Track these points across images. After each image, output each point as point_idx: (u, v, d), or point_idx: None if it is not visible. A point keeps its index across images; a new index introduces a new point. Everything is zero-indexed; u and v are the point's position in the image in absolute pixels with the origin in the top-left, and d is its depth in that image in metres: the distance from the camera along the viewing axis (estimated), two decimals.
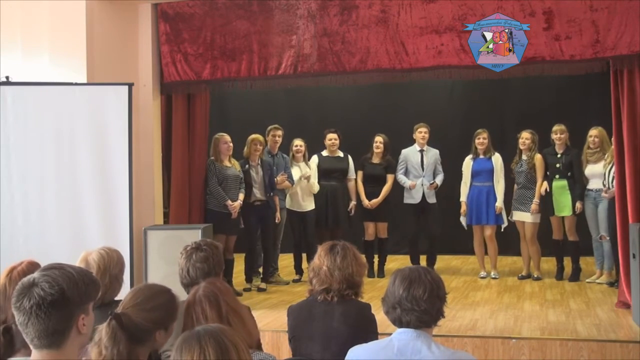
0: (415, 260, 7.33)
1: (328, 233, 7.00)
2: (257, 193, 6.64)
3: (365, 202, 7.24)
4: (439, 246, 7.59)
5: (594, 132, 6.51)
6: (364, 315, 2.97)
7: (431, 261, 7.37)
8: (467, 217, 7.12)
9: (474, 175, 7.10)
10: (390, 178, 7.32)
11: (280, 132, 7.10)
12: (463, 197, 7.15)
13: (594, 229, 6.56)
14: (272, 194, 6.76)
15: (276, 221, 6.89)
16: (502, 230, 7.15)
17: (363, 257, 3.12)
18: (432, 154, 7.31)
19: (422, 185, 7.21)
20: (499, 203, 6.96)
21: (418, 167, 7.25)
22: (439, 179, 7.27)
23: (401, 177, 7.31)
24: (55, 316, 1.71)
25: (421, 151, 7.29)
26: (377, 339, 2.76)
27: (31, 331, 1.71)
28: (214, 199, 6.36)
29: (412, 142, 7.44)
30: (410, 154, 7.34)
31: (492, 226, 7.05)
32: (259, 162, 6.73)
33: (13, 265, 2.67)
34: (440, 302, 2.32)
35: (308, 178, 7.00)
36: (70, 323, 1.74)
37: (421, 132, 7.27)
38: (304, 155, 7.14)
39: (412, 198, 7.25)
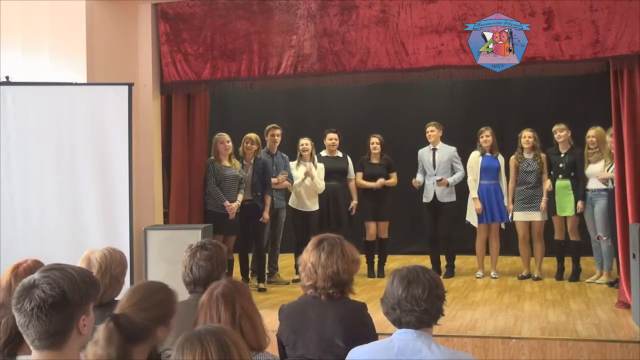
0: (435, 260, 7.27)
1: (330, 233, 6.96)
2: (245, 192, 6.61)
3: (373, 184, 7.21)
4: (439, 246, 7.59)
5: (591, 133, 6.53)
6: (358, 317, 2.86)
7: (450, 262, 7.32)
8: (480, 216, 7.05)
9: (482, 172, 7.07)
10: (393, 176, 7.33)
11: (278, 132, 7.10)
12: (474, 194, 7.04)
13: (592, 229, 6.57)
14: (260, 193, 6.69)
15: (262, 220, 6.68)
16: (504, 227, 7.15)
17: (356, 253, 2.96)
18: (446, 152, 7.25)
19: (434, 184, 7.19)
20: (508, 203, 7.00)
21: (430, 166, 7.23)
22: (454, 177, 7.17)
23: (417, 176, 7.31)
24: (56, 318, 1.70)
25: (433, 150, 7.28)
26: (376, 339, 2.74)
27: (32, 333, 1.71)
28: (212, 199, 6.36)
29: (413, 142, 7.45)
30: (424, 153, 7.34)
31: (498, 224, 7.08)
32: (252, 161, 6.72)
33: (18, 262, 2.67)
34: (439, 301, 2.31)
35: (311, 175, 6.94)
36: (71, 324, 1.73)
37: (427, 131, 7.27)
38: (310, 154, 7.11)
39: (426, 197, 7.24)
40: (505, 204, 7.00)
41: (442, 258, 7.36)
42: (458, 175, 7.19)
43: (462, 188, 7.25)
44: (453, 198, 7.22)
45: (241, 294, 2.43)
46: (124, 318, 2.03)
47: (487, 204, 7.03)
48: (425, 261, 7.33)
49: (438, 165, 7.20)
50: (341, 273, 2.82)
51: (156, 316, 2.17)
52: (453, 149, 7.30)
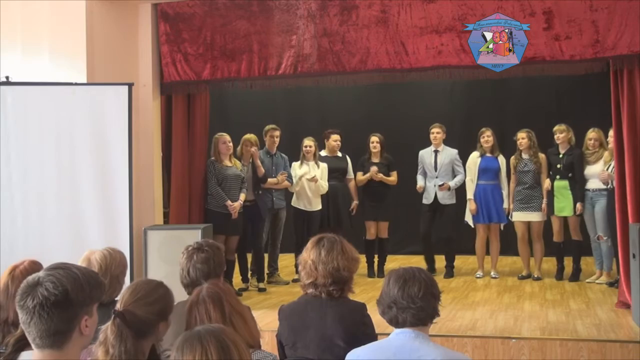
0: (429, 260, 7.28)
1: (329, 233, 6.97)
2: (247, 193, 6.61)
3: (368, 175, 7.22)
4: (439, 245, 7.59)
5: (592, 135, 6.54)
6: (358, 317, 2.87)
7: (449, 263, 7.33)
8: (476, 216, 7.08)
9: (480, 173, 7.07)
10: (393, 174, 7.33)
11: (277, 133, 7.10)
12: (470, 195, 7.08)
13: (592, 229, 6.57)
14: (260, 192, 6.71)
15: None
16: (502, 228, 7.15)
17: (355, 252, 2.98)
18: (447, 154, 7.24)
19: (435, 186, 7.18)
20: (507, 204, 6.99)
21: (431, 168, 7.23)
22: (455, 180, 7.17)
23: (418, 178, 7.31)
24: (58, 317, 1.70)
25: (435, 151, 7.27)
26: (375, 339, 2.74)
27: (33, 330, 1.71)
28: (214, 200, 6.35)
29: (413, 141, 7.45)
30: (425, 154, 7.33)
31: (498, 224, 7.07)
32: (251, 161, 6.72)
33: (15, 263, 2.68)
34: (435, 300, 2.34)
35: (315, 180, 6.96)
36: (72, 324, 1.73)
37: (432, 133, 7.26)
38: (314, 155, 7.12)
39: (426, 198, 7.24)
40: (505, 205, 7.00)
41: (441, 258, 7.36)
42: (459, 178, 7.19)
43: (462, 189, 7.26)
44: (453, 200, 7.24)
45: (226, 292, 2.44)
46: (129, 314, 2.04)
47: (484, 205, 7.03)
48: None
49: (440, 168, 7.19)
50: (341, 270, 2.83)
51: (159, 311, 2.19)
52: (455, 151, 7.29)
